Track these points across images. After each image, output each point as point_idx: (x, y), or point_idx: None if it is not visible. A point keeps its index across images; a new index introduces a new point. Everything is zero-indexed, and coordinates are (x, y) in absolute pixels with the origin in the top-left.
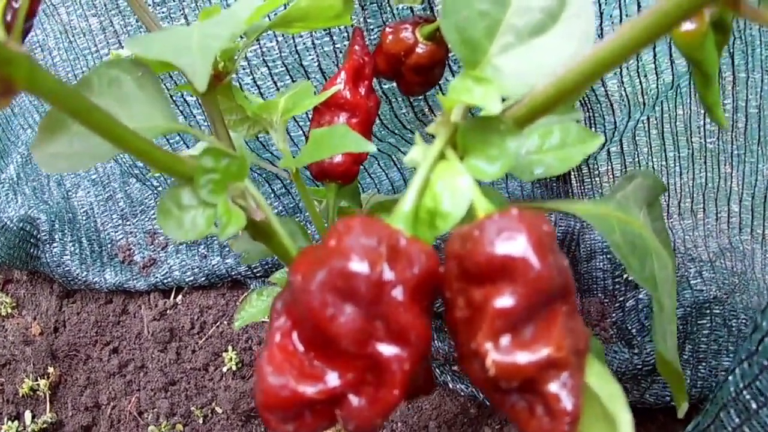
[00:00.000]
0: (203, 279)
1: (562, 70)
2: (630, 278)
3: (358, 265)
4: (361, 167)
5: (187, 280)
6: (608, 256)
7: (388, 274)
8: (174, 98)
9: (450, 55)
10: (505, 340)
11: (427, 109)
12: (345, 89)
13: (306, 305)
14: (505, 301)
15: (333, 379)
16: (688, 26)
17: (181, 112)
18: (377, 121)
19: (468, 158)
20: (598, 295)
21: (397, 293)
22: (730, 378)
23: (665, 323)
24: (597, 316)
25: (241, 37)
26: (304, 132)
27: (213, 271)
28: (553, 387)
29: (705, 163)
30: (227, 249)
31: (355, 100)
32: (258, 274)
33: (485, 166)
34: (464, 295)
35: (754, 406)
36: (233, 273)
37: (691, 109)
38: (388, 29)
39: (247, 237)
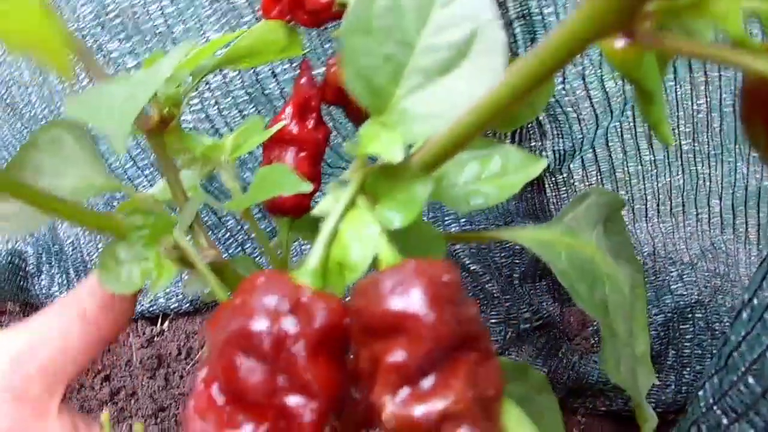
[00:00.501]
0: (188, 305)
1: (461, 112)
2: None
3: (259, 324)
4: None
5: (172, 307)
6: None
7: (291, 330)
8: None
9: None
10: (402, 393)
11: None
12: (292, 124)
13: (217, 360)
14: (397, 355)
15: (249, 430)
16: (619, 43)
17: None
18: (329, 150)
19: (378, 206)
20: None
21: (299, 348)
22: (701, 393)
23: (618, 348)
24: (578, 326)
25: (189, 78)
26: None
27: (197, 297)
28: None
29: (682, 164)
30: None
31: (302, 135)
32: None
33: (393, 215)
34: (366, 348)
35: (725, 421)
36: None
37: (666, 110)
38: (331, 61)
39: (197, 278)
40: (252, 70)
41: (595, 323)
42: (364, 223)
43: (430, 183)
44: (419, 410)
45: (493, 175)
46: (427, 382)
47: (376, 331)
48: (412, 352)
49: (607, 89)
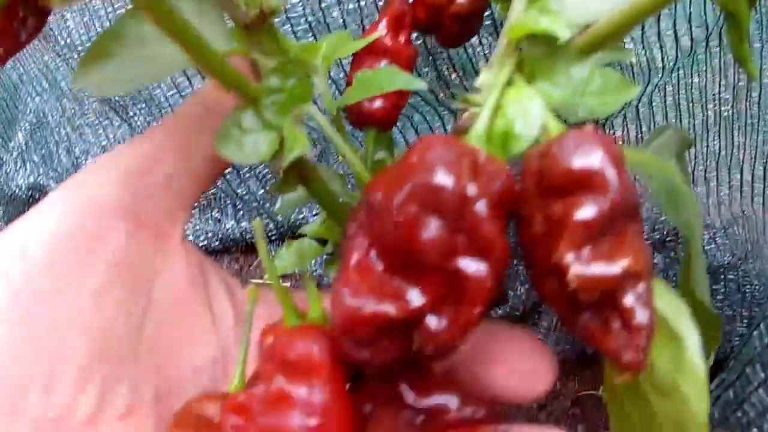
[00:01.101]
0: (217, 243)
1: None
2: (651, 241)
3: (444, 178)
4: None
5: (200, 244)
6: None
7: (471, 189)
8: None
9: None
10: (585, 252)
11: (453, 74)
12: (386, 36)
13: (388, 221)
14: (585, 212)
15: (414, 297)
16: None
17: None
18: None
19: (535, 83)
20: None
21: (481, 207)
22: (755, 333)
23: (699, 269)
24: None
25: None
26: None
27: (227, 235)
28: (630, 300)
29: (719, 131)
30: (241, 213)
31: (396, 47)
32: (273, 238)
33: (553, 90)
34: (542, 211)
35: None
36: (248, 237)
37: (706, 77)
38: None
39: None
40: None
41: None
42: (526, 96)
43: (588, 66)
44: (604, 268)
45: (596, 91)
46: (606, 244)
47: (557, 191)
48: (599, 209)
49: (663, 48)
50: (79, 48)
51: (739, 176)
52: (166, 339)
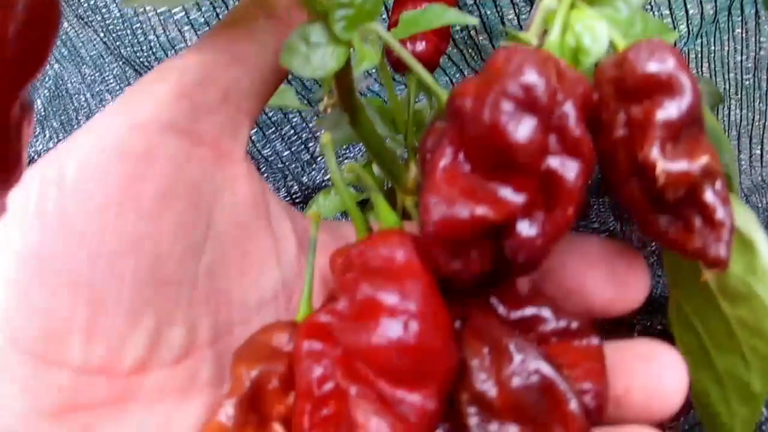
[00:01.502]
0: None
1: None
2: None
3: (535, 78)
4: None
5: None
6: None
7: (559, 92)
8: None
9: None
10: (668, 149)
11: (481, 36)
12: None
13: (479, 124)
14: (666, 112)
15: (509, 197)
16: None
17: None
18: None
19: (596, 7)
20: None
21: (569, 108)
22: None
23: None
24: (639, 244)
25: None
26: None
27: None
28: (710, 197)
29: (741, 99)
30: (265, 175)
31: None
32: (298, 201)
33: (614, 13)
34: (622, 114)
35: None
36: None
37: (729, 45)
38: None
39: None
40: None
41: (653, 244)
42: (591, 16)
43: None
44: (687, 165)
45: (639, 33)
46: (685, 142)
47: (636, 95)
48: (678, 109)
49: (689, 11)
50: (103, 10)
51: (760, 146)
52: (226, 267)
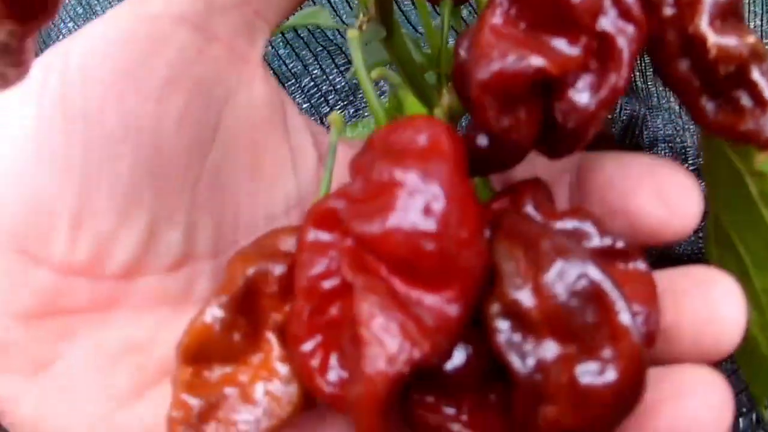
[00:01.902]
0: None
1: None
2: (690, 167)
3: None
4: None
5: None
6: (670, 144)
7: None
8: None
9: None
10: (717, 25)
11: None
12: None
13: None
14: None
15: (562, 50)
16: None
17: None
18: None
19: None
20: None
21: None
22: None
23: None
24: None
25: None
26: None
27: None
28: (758, 76)
29: None
30: None
31: None
32: None
33: None
34: None
35: None
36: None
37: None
38: None
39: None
40: None
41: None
42: None
43: None
44: (735, 41)
45: None
46: (732, 22)
47: None
48: None
49: None
50: None
51: None
52: (234, 172)
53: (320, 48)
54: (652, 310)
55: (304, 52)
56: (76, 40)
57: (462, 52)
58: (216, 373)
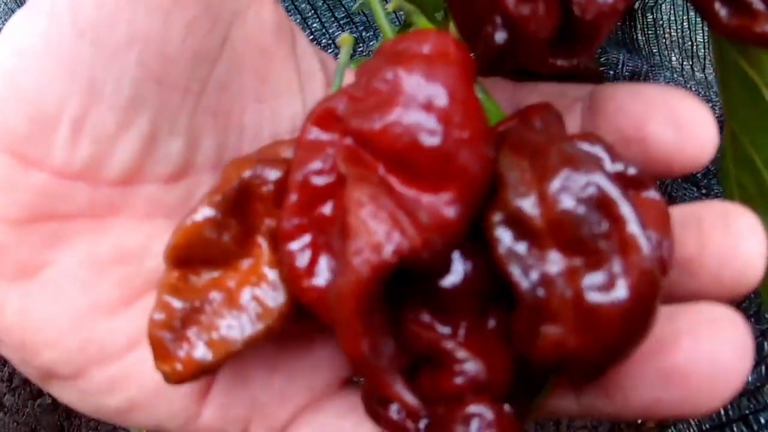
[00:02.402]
0: None
1: None
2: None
3: None
4: None
5: None
6: None
7: None
8: None
9: None
10: None
11: None
12: None
13: None
14: None
15: None
16: None
17: None
18: None
19: None
20: None
21: None
22: None
23: None
24: None
25: None
26: None
27: None
28: None
29: None
30: None
31: None
32: None
33: None
34: None
35: None
36: None
37: None
38: None
39: None
40: None
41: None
42: None
43: None
44: None
45: None
46: None
47: None
48: None
49: None
50: None
51: None
52: (241, 87)
53: (320, 2)
54: (666, 237)
55: (303, 6)
56: None
57: None
58: (203, 277)
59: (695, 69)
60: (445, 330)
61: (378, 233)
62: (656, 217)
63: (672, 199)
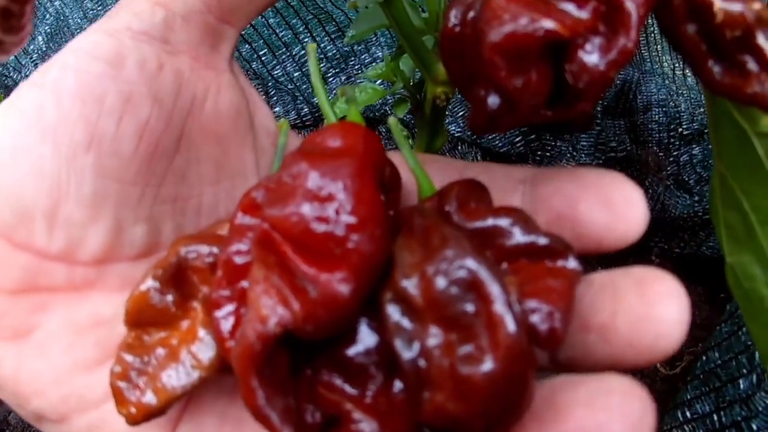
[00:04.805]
0: None
1: None
2: (684, 132)
3: None
4: None
5: None
6: (664, 108)
7: None
8: None
9: None
10: None
11: None
12: None
13: None
14: None
15: (571, 12)
16: None
17: None
18: None
19: None
20: (653, 147)
21: None
22: None
23: None
24: (655, 167)
25: None
26: None
27: None
28: (764, 41)
29: None
30: (275, 98)
31: None
32: (308, 124)
33: None
34: None
35: None
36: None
37: None
38: None
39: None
40: None
41: (669, 168)
42: None
43: None
44: (741, 7)
45: None
46: None
47: None
48: None
49: None
50: None
51: None
52: (198, 176)
53: (311, 16)
54: (560, 308)
55: (294, 21)
56: (59, 55)
57: (452, 20)
58: (153, 337)
59: (687, 75)
60: (353, 392)
61: (266, 307)
62: (558, 289)
63: (664, 208)
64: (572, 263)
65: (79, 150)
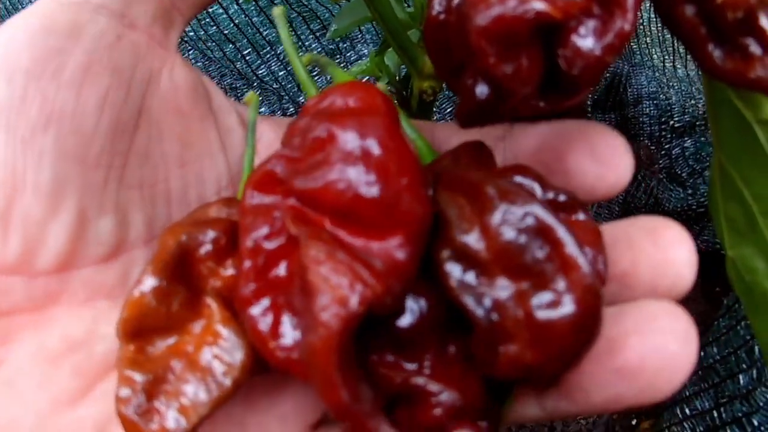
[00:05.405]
0: None
1: None
2: (675, 124)
3: None
4: None
5: None
6: (654, 101)
7: None
8: None
9: None
10: None
11: None
12: None
13: None
14: None
15: None
16: None
17: None
18: None
19: None
20: (645, 140)
21: None
22: None
23: None
24: (647, 161)
25: None
26: None
27: None
28: (766, 22)
29: None
30: (261, 99)
31: None
32: (290, 114)
33: None
34: None
35: None
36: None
37: None
38: None
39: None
40: None
41: (661, 161)
42: None
43: None
44: None
45: None
46: None
47: None
48: None
49: None
50: None
51: None
52: (163, 155)
53: (294, 14)
54: (599, 252)
55: None
56: (2, 32)
57: (436, 7)
58: (159, 346)
59: (677, 66)
60: (411, 366)
61: (342, 287)
62: (590, 237)
63: (658, 202)
64: (585, 216)
65: (36, 130)
